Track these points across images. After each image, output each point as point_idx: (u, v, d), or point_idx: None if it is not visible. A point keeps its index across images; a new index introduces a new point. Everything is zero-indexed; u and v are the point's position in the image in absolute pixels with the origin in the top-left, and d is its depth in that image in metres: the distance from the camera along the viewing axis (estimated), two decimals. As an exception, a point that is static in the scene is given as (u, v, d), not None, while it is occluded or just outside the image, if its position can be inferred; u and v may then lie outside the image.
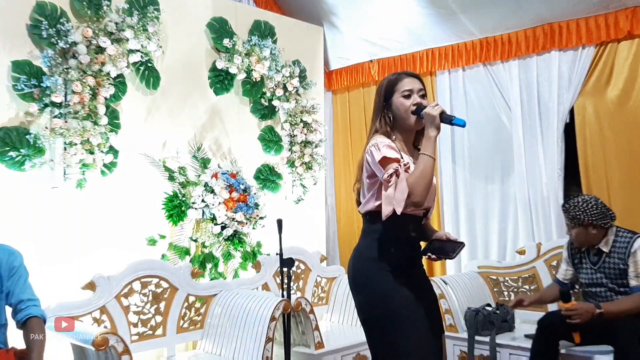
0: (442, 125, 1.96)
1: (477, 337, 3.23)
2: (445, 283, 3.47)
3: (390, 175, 1.90)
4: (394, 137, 2.07)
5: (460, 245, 2.00)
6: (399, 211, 1.88)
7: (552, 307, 3.49)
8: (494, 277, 3.75)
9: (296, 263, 3.72)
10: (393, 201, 1.89)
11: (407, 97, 2.04)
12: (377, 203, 2.00)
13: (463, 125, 1.97)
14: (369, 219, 2.08)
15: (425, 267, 2.22)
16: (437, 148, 1.94)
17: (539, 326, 2.95)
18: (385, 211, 1.90)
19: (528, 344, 3.00)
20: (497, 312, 3.28)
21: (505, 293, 3.71)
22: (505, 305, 3.34)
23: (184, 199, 3.46)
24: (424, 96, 2.06)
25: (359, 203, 2.15)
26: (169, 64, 3.61)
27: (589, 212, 2.85)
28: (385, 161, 1.93)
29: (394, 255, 2.02)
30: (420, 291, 2.05)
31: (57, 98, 2.97)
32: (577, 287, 3.17)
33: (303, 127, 4.23)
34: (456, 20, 4.01)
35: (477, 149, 4.20)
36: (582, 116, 3.69)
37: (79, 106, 3.03)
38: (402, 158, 1.97)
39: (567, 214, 2.93)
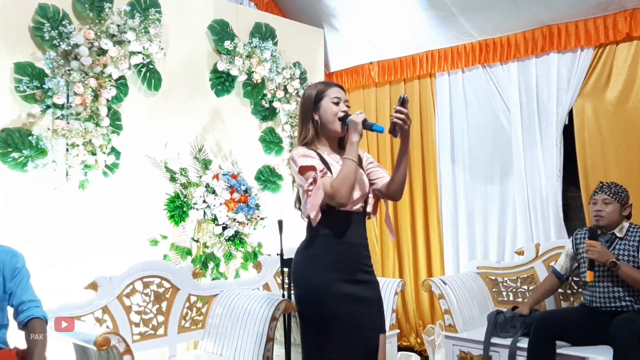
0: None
1: (493, 340, 3.15)
2: (445, 283, 3.48)
3: (310, 184, 2.07)
4: (317, 142, 2.22)
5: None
6: (313, 215, 2.05)
7: (549, 306, 3.51)
8: (493, 278, 3.76)
9: (296, 263, 3.73)
10: (312, 208, 2.06)
11: (336, 104, 2.20)
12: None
13: (381, 132, 2.14)
14: (309, 221, 2.20)
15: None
16: (358, 152, 2.14)
17: (535, 325, 2.96)
18: (312, 215, 2.07)
19: (524, 343, 3.02)
20: (523, 315, 3.17)
21: (504, 293, 3.72)
22: (537, 309, 3.30)
23: (185, 199, 3.47)
24: (348, 107, 2.23)
25: (297, 208, 2.30)
26: (170, 66, 3.63)
27: (628, 194, 3.05)
28: (303, 171, 2.10)
29: (327, 254, 2.13)
30: (359, 289, 2.13)
31: (59, 99, 2.99)
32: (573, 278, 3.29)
33: (303, 129, 4.25)
34: (455, 22, 4.03)
35: (476, 151, 4.22)
36: (581, 118, 3.70)
37: (81, 108, 3.06)
38: (321, 162, 2.12)
39: (609, 189, 3.04)
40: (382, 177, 2.28)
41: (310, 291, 2.14)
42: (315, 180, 2.06)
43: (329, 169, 2.14)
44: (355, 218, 2.18)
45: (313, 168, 2.09)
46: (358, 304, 2.12)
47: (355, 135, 2.11)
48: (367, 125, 2.13)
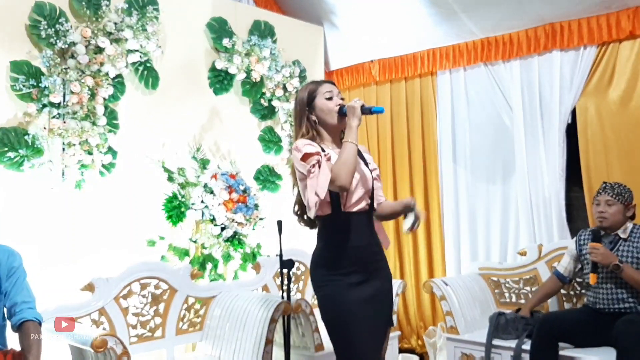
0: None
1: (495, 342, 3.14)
2: (446, 284, 3.46)
3: (313, 166, 2.04)
4: (318, 139, 2.20)
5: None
6: (322, 195, 2.00)
7: (552, 307, 3.48)
8: (495, 279, 3.73)
9: (296, 264, 3.70)
10: (317, 188, 2.01)
11: (330, 99, 2.20)
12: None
13: (382, 112, 2.16)
14: (319, 224, 2.20)
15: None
16: (358, 136, 2.13)
17: (537, 327, 2.93)
18: (312, 199, 2.03)
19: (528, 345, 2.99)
20: (525, 317, 3.15)
21: (507, 295, 3.69)
22: (539, 311, 3.28)
23: (183, 199, 3.44)
24: (342, 99, 2.24)
25: (296, 213, 2.30)
26: (168, 64, 3.59)
27: (632, 195, 3.02)
28: (306, 157, 2.06)
29: (335, 261, 2.12)
30: (369, 289, 2.13)
31: (56, 98, 2.96)
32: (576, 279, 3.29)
33: (303, 128, 4.22)
34: (457, 20, 4.00)
35: (478, 150, 4.19)
36: (584, 117, 3.67)
37: (78, 106, 3.03)
38: (323, 151, 2.10)
39: (612, 190, 3.00)
40: (379, 196, 2.30)
41: (326, 299, 2.15)
42: (319, 162, 2.04)
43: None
44: (360, 219, 2.16)
45: (317, 153, 2.08)
46: (370, 305, 2.13)
47: (354, 120, 2.11)
48: (365, 110, 2.13)
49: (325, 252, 2.17)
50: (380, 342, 2.19)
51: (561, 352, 2.88)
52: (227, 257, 3.58)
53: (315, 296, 2.23)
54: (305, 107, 2.21)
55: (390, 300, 2.27)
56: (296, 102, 2.27)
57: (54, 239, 3.03)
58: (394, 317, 3.53)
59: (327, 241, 2.17)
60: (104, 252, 3.17)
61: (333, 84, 2.26)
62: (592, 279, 2.92)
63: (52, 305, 2.62)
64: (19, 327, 2.15)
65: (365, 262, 2.15)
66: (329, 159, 2.08)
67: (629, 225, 3.00)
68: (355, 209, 2.14)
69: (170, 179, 3.45)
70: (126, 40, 3.23)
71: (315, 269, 2.21)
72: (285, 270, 2.69)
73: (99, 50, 3.13)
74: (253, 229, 3.67)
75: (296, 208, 2.30)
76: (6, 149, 2.87)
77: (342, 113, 2.18)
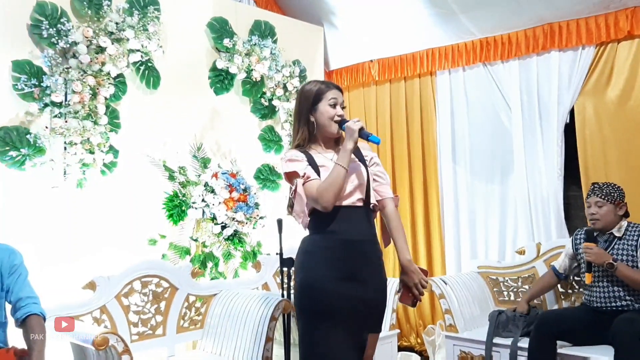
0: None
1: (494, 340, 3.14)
2: (445, 283, 3.47)
3: (294, 191, 2.15)
4: (312, 142, 2.22)
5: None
6: (301, 221, 2.15)
7: (550, 305, 3.50)
8: (494, 277, 3.75)
9: (296, 263, 3.71)
10: (299, 213, 2.15)
11: (333, 106, 2.18)
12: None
13: (377, 143, 2.14)
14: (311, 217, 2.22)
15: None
16: (350, 158, 2.12)
17: (536, 325, 2.95)
18: (300, 222, 2.16)
19: (525, 343, 3.01)
20: (524, 314, 3.16)
21: (505, 293, 3.71)
22: (537, 308, 3.30)
23: (184, 198, 3.46)
24: (344, 109, 2.23)
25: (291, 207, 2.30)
26: (169, 64, 3.61)
27: (622, 193, 3.01)
28: (288, 177, 2.15)
29: (323, 251, 2.12)
30: (355, 287, 2.10)
31: (58, 98, 2.98)
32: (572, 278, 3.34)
33: (303, 127, 4.23)
34: (456, 20, 4.01)
35: (477, 149, 4.20)
36: (582, 116, 3.69)
37: (79, 106, 3.05)
38: (308, 165, 2.13)
39: (601, 191, 3.00)
40: (382, 192, 2.26)
41: (305, 287, 2.14)
42: (296, 189, 2.12)
43: (317, 171, 2.12)
44: (355, 212, 2.14)
45: (296, 174, 2.11)
46: (352, 303, 2.09)
47: (350, 143, 2.09)
48: (363, 135, 2.11)
49: (312, 241, 2.16)
50: (357, 345, 2.14)
51: (559, 351, 2.90)
52: (228, 256, 3.60)
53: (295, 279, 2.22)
54: (309, 106, 2.20)
55: (382, 308, 2.23)
56: (301, 95, 2.24)
57: (55, 237, 3.05)
58: (393, 316, 3.56)
59: (317, 231, 2.16)
60: (105, 250, 3.19)
61: (340, 91, 2.24)
62: (587, 278, 2.95)
63: (53, 303, 2.62)
64: (23, 321, 2.15)
65: (354, 257, 2.11)
66: (307, 179, 2.10)
67: (624, 223, 3.00)
68: (344, 203, 2.12)
69: (171, 177, 3.47)
70: (127, 40, 3.25)
71: (300, 255, 2.20)
72: (285, 269, 2.71)
73: (101, 50, 3.15)
74: (253, 228, 3.69)
75: (290, 210, 2.31)
76: (8, 148, 2.88)
77: (340, 125, 2.18)
